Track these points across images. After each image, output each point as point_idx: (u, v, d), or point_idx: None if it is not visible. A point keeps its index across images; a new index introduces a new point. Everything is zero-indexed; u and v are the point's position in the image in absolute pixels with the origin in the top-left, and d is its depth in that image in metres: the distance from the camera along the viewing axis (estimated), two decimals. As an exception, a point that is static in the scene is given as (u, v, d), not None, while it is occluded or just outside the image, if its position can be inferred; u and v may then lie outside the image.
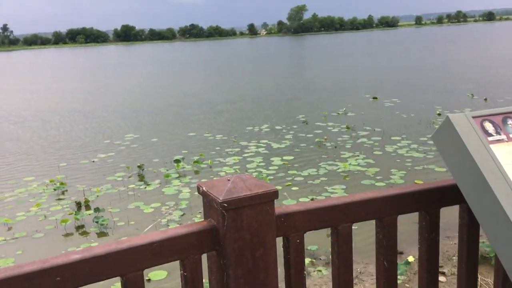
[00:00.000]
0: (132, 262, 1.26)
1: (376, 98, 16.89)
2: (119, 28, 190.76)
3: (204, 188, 1.42)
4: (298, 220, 1.50)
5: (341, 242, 1.59)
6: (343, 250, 1.60)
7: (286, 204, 5.51)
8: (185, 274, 1.37)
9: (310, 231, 1.54)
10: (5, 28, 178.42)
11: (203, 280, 1.42)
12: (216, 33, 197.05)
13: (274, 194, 1.40)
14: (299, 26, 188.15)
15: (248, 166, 9.19)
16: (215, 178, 1.58)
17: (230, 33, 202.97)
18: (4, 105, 20.05)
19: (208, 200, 1.41)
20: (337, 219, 1.57)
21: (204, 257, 1.40)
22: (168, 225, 6.54)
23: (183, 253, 1.34)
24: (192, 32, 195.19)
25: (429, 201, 1.73)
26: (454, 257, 5.06)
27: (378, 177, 8.17)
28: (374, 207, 1.64)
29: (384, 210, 1.65)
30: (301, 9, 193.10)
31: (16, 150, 11.71)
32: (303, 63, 39.04)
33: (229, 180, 1.41)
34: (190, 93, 21.53)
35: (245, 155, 10.04)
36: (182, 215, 6.90)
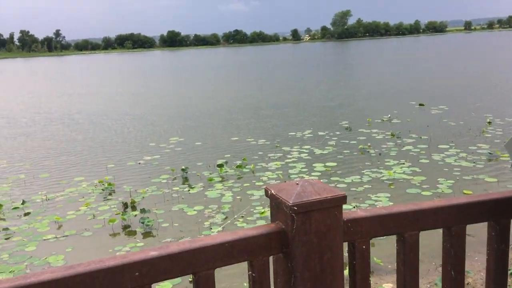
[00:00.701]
0: (204, 261, 1.30)
1: (422, 105, 16.46)
2: (165, 34, 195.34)
3: (272, 191, 1.43)
4: (365, 226, 1.49)
5: (408, 250, 1.57)
6: (409, 258, 1.57)
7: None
8: (253, 275, 1.39)
9: (377, 237, 1.53)
10: (57, 33, 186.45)
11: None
12: (259, 38, 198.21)
13: (343, 199, 1.40)
14: (343, 31, 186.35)
15: (290, 171, 9.17)
16: (282, 182, 1.59)
17: (273, 39, 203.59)
18: (58, 108, 20.92)
19: (276, 203, 1.42)
20: (404, 226, 1.55)
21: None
22: (211, 228, 6.61)
23: (252, 254, 1.36)
24: (236, 38, 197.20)
25: (499, 211, 1.68)
26: None
27: (424, 186, 7.95)
28: (442, 216, 1.60)
29: (452, 219, 1.61)
30: (345, 14, 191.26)
31: (69, 151, 12.18)
32: (347, 68, 38.62)
33: (297, 184, 1.42)
34: (233, 97, 21.74)
35: (288, 160, 10.02)
36: (225, 218, 6.96)
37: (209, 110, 18.16)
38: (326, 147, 11.00)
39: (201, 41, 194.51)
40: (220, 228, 6.60)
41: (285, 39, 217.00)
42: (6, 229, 6.94)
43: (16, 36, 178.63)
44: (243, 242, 1.35)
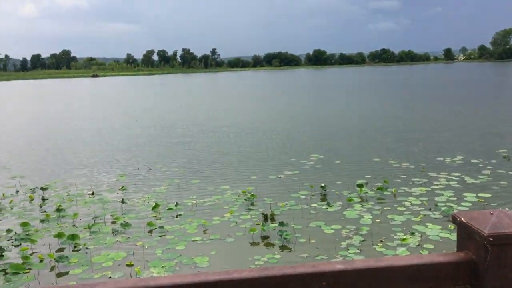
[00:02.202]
0: (388, 280, 1.31)
1: None
2: (311, 52, 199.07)
3: (462, 219, 1.38)
4: None
5: None
6: None
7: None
8: None
9: None
10: (213, 52, 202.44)
11: None
12: (407, 57, 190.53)
13: None
14: (504, 51, 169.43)
15: (436, 199, 8.59)
16: (472, 210, 1.52)
17: (422, 58, 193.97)
18: (210, 120, 22.63)
19: (466, 232, 1.36)
20: None
21: None
22: (348, 249, 6.50)
23: (437, 281, 1.34)
24: (382, 57, 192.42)
25: None
26: None
27: None
28: None
29: None
30: (508, 33, 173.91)
31: (217, 161, 13.07)
32: (508, 91, 34.95)
33: (492, 213, 1.36)
34: (377, 117, 21.18)
35: (434, 187, 9.40)
36: (363, 241, 6.78)
37: (352, 129, 17.94)
38: (479, 176, 10.07)
39: (346, 60, 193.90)
40: (357, 250, 6.45)
41: (436, 58, 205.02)
42: (161, 227, 7.69)
43: (179, 54, 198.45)
44: (430, 267, 1.32)
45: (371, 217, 7.80)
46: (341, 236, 7.02)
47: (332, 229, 7.33)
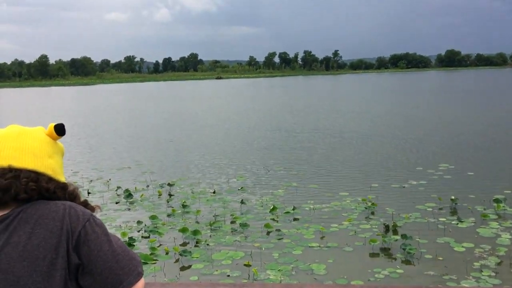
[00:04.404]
0: None
1: None
2: (443, 53, 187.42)
3: None
4: None
5: None
6: None
7: None
8: None
9: None
10: (335, 53, 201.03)
11: None
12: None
13: None
14: None
15: None
16: None
17: None
18: (332, 125, 22.50)
19: None
20: None
21: None
22: (482, 271, 5.98)
23: None
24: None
25: None
26: None
27: None
28: None
29: None
30: None
31: (338, 165, 12.94)
32: None
33: None
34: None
35: None
36: (499, 263, 6.19)
37: (491, 137, 16.50)
38: None
39: (483, 61, 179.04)
40: (492, 273, 5.90)
41: None
42: (278, 230, 7.82)
43: (300, 56, 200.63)
44: None
45: (510, 237, 7.08)
46: (474, 255, 6.49)
47: (463, 247, 6.80)
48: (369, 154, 14.39)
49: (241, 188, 10.67)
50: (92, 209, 1.50)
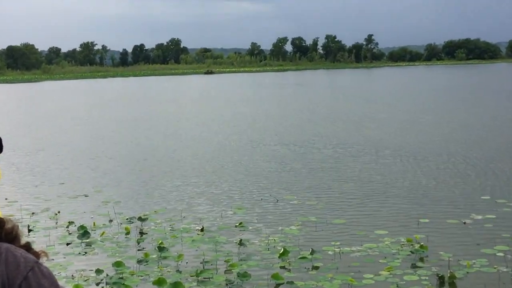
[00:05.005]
0: None
1: None
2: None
3: None
4: None
5: None
6: None
7: None
8: None
9: None
10: (370, 39, 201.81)
11: None
12: None
13: None
14: None
15: None
16: None
17: None
18: (369, 139, 22.57)
19: None
20: None
21: None
22: None
23: None
24: None
25: None
26: None
27: None
28: None
29: None
30: None
31: (376, 194, 12.94)
32: None
33: None
34: None
35: None
36: None
37: None
38: None
39: None
40: None
41: None
42: (290, 282, 7.81)
43: (321, 43, 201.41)
44: None
45: None
46: (562, 319, 6.46)
47: (546, 306, 6.78)
48: (418, 178, 14.39)
49: (240, 224, 10.67)
50: (37, 254, 1.50)
